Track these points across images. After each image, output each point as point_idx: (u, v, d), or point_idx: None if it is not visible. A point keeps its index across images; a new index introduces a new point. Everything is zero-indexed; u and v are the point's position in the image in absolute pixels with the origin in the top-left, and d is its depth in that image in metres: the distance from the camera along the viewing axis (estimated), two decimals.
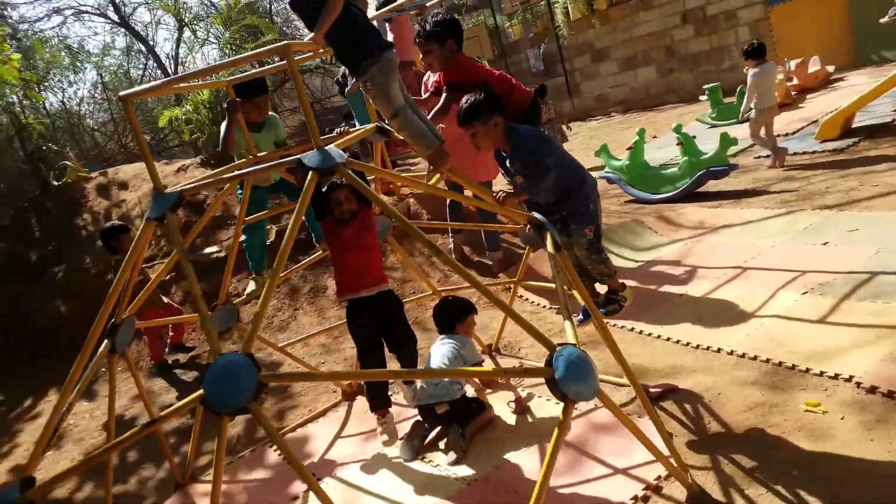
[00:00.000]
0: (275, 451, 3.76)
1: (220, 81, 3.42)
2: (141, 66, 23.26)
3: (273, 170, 2.65)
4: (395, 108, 2.88)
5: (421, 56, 3.62)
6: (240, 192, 4.20)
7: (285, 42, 2.43)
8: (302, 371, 3.84)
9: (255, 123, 4.17)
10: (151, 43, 22.09)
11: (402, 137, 3.11)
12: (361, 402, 4.07)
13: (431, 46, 3.48)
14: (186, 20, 9.22)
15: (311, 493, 2.90)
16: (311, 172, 2.36)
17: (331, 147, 2.45)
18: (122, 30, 21.90)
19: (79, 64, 22.04)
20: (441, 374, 2.90)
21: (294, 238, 2.28)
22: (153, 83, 3.45)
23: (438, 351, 3.30)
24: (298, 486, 3.25)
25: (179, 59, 22.34)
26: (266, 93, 4.11)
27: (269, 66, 4.40)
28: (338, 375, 3.44)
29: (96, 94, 22.91)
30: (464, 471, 3.01)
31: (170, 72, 21.89)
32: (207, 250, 5.99)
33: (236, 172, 2.84)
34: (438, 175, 3.51)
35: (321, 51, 2.90)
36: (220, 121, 7.56)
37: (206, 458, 3.87)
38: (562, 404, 2.05)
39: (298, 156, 2.42)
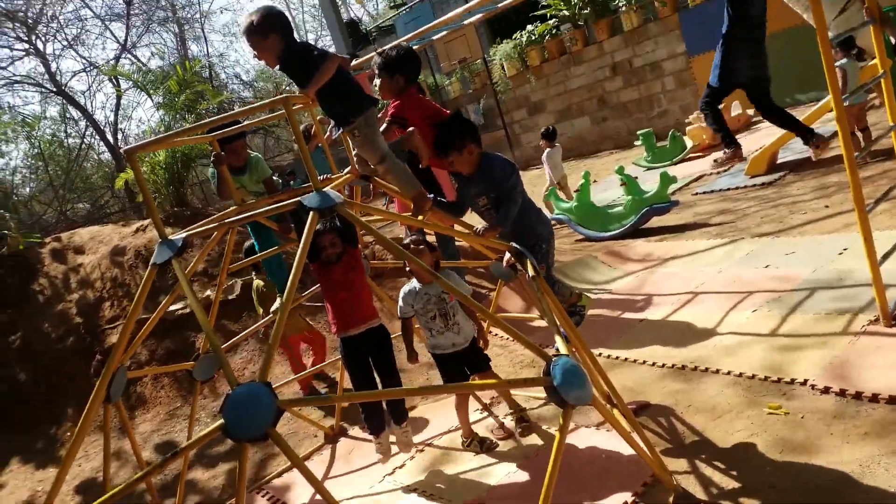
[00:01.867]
0: (263, 496, 3.81)
1: (203, 136, 3.57)
2: (77, 133, 22.98)
3: (266, 214, 2.81)
4: (381, 153, 3.12)
5: (374, 84, 3.69)
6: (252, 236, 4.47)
7: (284, 95, 2.64)
8: (317, 396, 3.96)
9: (237, 167, 4.31)
10: (90, 111, 21.87)
11: (383, 183, 3.33)
12: (345, 444, 4.17)
13: (382, 76, 3.58)
14: (141, 83, 9.30)
15: None
16: (311, 212, 2.54)
17: (328, 189, 2.64)
18: (58, 97, 21.70)
19: (10, 133, 21.64)
20: (437, 391, 3.07)
21: (300, 272, 2.44)
22: (154, 137, 3.59)
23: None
24: None
25: (118, 125, 22.21)
26: (242, 137, 4.26)
27: (247, 120, 4.58)
28: (353, 397, 3.56)
29: (30, 164, 22.44)
30: (457, 497, 3.15)
31: (108, 138, 21.72)
32: (172, 307, 5.99)
33: (236, 218, 2.99)
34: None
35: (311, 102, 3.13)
36: (175, 181, 7.65)
37: None
38: (543, 426, 2.24)
39: (299, 198, 2.60)
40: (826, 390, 3.00)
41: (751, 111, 10.53)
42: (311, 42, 3.64)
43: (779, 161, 7.42)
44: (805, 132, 4.57)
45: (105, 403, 3.08)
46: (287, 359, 5.39)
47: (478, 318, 3.47)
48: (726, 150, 5.06)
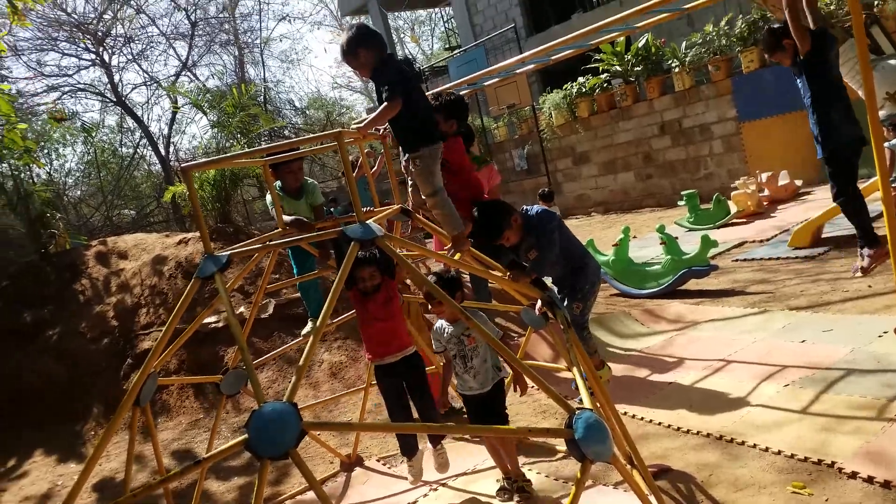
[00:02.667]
0: None
1: (261, 160, 3.68)
2: (131, 142, 23.73)
3: (309, 240, 2.89)
4: (434, 187, 3.23)
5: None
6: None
7: (338, 130, 2.73)
8: (341, 421, 4.02)
9: (293, 190, 4.40)
10: (146, 123, 22.61)
11: (422, 220, 3.41)
12: (360, 474, 4.17)
13: (438, 118, 3.66)
14: (197, 101, 9.63)
15: None
16: (353, 242, 2.61)
17: (370, 221, 2.71)
18: (117, 107, 22.49)
19: (69, 137, 22.42)
20: (463, 431, 3.08)
21: (336, 299, 2.49)
22: (213, 158, 3.72)
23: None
24: None
25: (171, 138, 22.91)
26: (299, 159, 4.33)
27: (305, 149, 4.71)
28: (375, 427, 3.61)
29: (84, 168, 23.18)
30: None
31: (160, 150, 22.39)
32: (207, 320, 6.11)
33: (280, 241, 3.08)
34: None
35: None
36: (222, 199, 7.85)
37: None
38: (561, 480, 2.23)
39: (342, 227, 2.67)
40: (854, 475, 2.93)
41: (799, 181, 10.45)
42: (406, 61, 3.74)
43: (824, 235, 7.32)
44: (867, 235, 4.30)
45: (134, 406, 3.16)
46: (310, 383, 5.44)
47: (514, 364, 3.38)
48: (865, 252, 4.47)
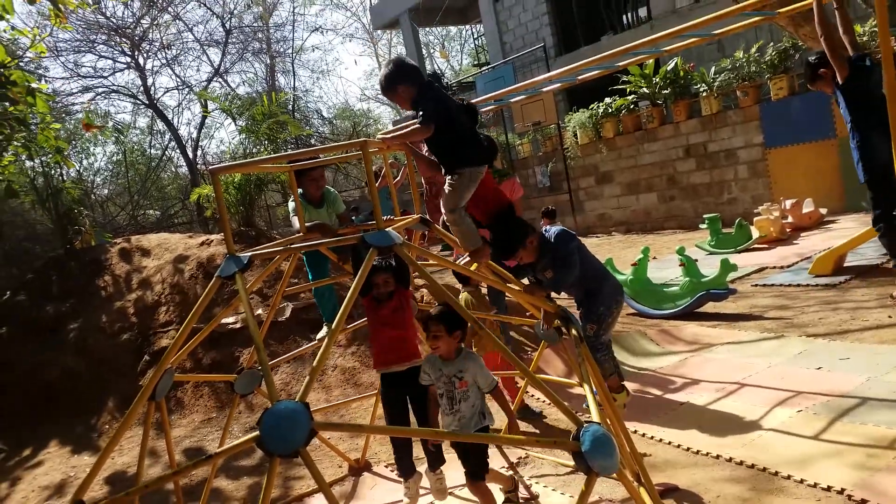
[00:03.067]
0: None
1: (286, 166, 3.75)
2: (160, 144, 24.16)
3: (339, 243, 2.95)
4: (457, 205, 3.26)
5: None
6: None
7: (363, 139, 2.80)
8: (350, 423, 4.04)
9: (315, 199, 4.45)
10: (176, 126, 22.99)
11: (441, 231, 3.46)
12: (367, 479, 4.20)
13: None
14: (228, 108, 9.82)
15: None
16: (371, 249, 2.66)
17: (390, 229, 2.76)
18: (148, 110, 22.92)
19: (101, 138, 22.86)
20: (467, 439, 3.08)
21: (352, 304, 2.54)
22: (239, 161, 3.80)
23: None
24: None
25: (199, 142, 23.26)
26: (321, 168, 4.38)
27: (330, 156, 4.77)
28: (384, 430, 3.61)
29: (113, 168, 23.61)
30: None
31: (188, 153, 22.75)
32: (224, 320, 6.19)
33: (302, 244, 3.14)
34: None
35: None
36: (247, 201, 7.96)
37: None
38: (568, 494, 2.25)
39: (362, 234, 2.72)
40: (862, 502, 2.90)
41: (824, 210, 10.35)
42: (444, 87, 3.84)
43: (846, 264, 7.24)
44: None
45: (150, 400, 3.23)
46: (323, 387, 5.49)
47: (509, 412, 3.21)
48: None
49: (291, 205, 4.31)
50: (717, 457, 3.58)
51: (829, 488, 3.07)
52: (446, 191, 3.34)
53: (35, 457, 5.51)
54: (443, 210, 3.41)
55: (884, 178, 4.34)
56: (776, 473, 3.29)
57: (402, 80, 3.25)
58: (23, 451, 5.68)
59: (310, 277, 4.75)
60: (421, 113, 3.17)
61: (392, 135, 3.20)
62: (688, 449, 3.74)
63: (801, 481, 3.17)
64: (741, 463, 3.46)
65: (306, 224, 3.85)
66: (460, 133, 3.30)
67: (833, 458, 3.34)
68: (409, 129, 3.18)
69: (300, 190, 4.38)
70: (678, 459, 3.66)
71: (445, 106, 3.26)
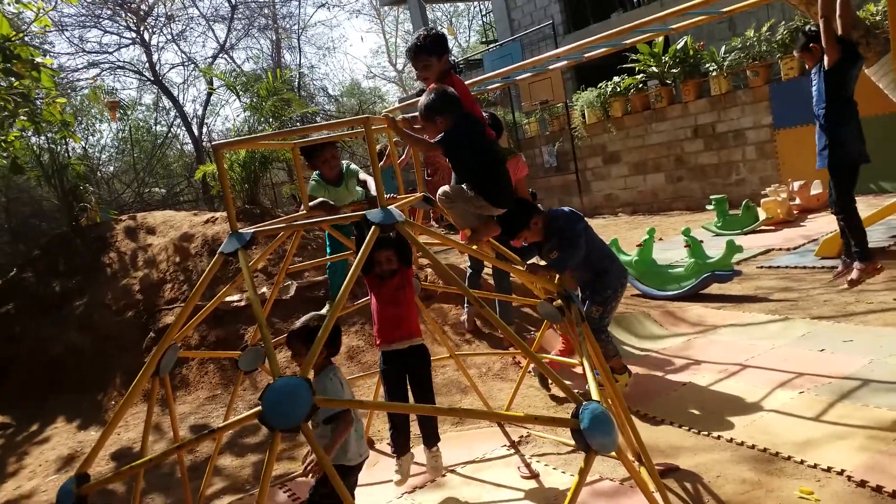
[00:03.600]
0: (284, 491, 3.90)
1: (289, 142, 3.73)
2: (165, 121, 24.10)
3: (341, 221, 2.95)
4: (453, 203, 3.31)
5: (418, 72, 3.74)
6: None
7: (365, 116, 2.78)
8: (352, 399, 4.07)
9: (333, 179, 4.41)
10: (181, 103, 22.92)
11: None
12: (370, 457, 4.22)
13: (431, 60, 3.63)
14: (233, 84, 9.78)
15: None
16: (373, 227, 2.65)
17: (392, 207, 2.75)
18: (154, 86, 22.84)
19: (106, 114, 22.81)
20: (469, 415, 3.10)
21: (354, 280, 2.54)
22: (241, 137, 3.79)
23: None
24: None
25: (205, 119, 23.20)
26: (330, 146, 4.30)
27: (333, 134, 4.73)
28: (385, 406, 3.63)
29: (118, 145, 23.60)
30: None
31: (194, 130, 22.70)
32: (229, 298, 6.21)
33: (304, 221, 3.13)
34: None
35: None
36: (251, 179, 7.95)
37: (216, 495, 3.99)
38: (569, 473, 2.25)
39: (364, 212, 2.71)
40: (862, 483, 2.91)
41: None
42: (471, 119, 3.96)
43: None
44: (864, 249, 4.45)
45: (154, 376, 3.25)
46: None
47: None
48: (858, 266, 4.72)
49: (311, 183, 4.29)
50: (718, 437, 3.59)
51: (829, 469, 3.08)
52: (449, 187, 3.32)
53: (42, 432, 5.57)
54: (440, 194, 3.40)
55: (845, 169, 4.53)
56: (777, 454, 3.29)
57: (443, 112, 3.24)
58: (30, 426, 5.75)
59: (328, 252, 4.74)
60: (440, 138, 3.19)
61: (400, 131, 3.21)
62: (689, 429, 3.75)
63: (802, 462, 3.18)
64: (742, 444, 3.47)
65: (310, 203, 3.85)
66: (495, 173, 3.32)
67: (834, 439, 3.34)
68: (419, 139, 3.21)
69: (316, 173, 4.35)
70: (679, 440, 3.67)
71: (474, 148, 3.28)
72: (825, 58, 4.63)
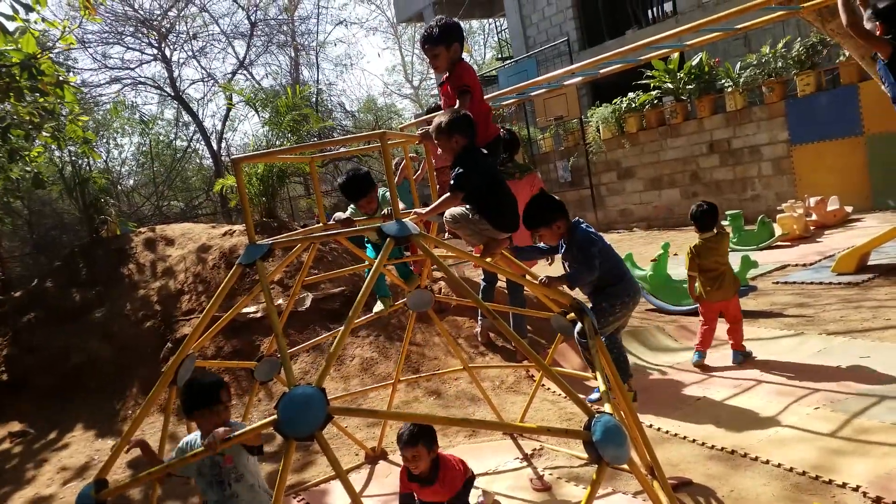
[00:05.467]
0: (298, 501, 3.92)
1: (306, 157, 3.80)
2: (185, 136, 24.41)
3: (359, 234, 3.00)
4: (453, 219, 3.34)
5: (429, 60, 3.77)
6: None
7: (382, 131, 2.83)
8: (366, 408, 4.11)
9: (371, 213, 4.51)
10: (201, 118, 23.23)
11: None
12: (383, 467, 4.25)
13: (439, 49, 3.65)
14: (252, 100, 9.94)
15: None
16: (388, 238, 2.70)
17: (407, 220, 2.79)
18: (174, 102, 23.16)
19: (127, 128, 23.15)
20: (501, 428, 3.11)
21: (368, 293, 2.58)
22: (261, 151, 3.86)
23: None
24: None
25: (224, 134, 23.48)
26: (374, 187, 4.35)
27: (348, 148, 4.79)
28: (400, 416, 3.65)
29: (138, 159, 23.91)
30: None
31: (213, 145, 22.98)
32: (245, 310, 6.27)
33: (321, 234, 3.18)
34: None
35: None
36: (269, 193, 8.05)
37: None
38: (581, 486, 2.27)
39: (379, 224, 2.76)
40: (878, 500, 2.89)
41: (849, 208, 10.22)
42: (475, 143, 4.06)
43: (870, 262, 7.16)
44: None
45: (171, 385, 3.30)
46: (341, 376, 5.55)
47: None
48: None
49: (382, 191, 4.34)
50: (732, 452, 3.57)
51: (844, 485, 3.06)
52: (456, 209, 3.33)
53: (60, 439, 5.65)
54: (446, 215, 3.41)
55: None
56: (791, 469, 3.28)
57: (461, 131, 3.26)
58: (49, 433, 5.82)
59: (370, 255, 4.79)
60: (455, 176, 3.19)
61: (427, 210, 3.26)
62: (703, 444, 3.74)
63: (817, 478, 3.17)
64: (756, 459, 3.45)
65: (334, 218, 3.89)
66: (500, 199, 3.33)
67: (850, 455, 3.32)
68: (440, 200, 3.23)
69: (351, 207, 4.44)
70: (693, 454, 3.66)
71: (487, 174, 3.30)
72: (879, 55, 4.62)
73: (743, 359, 4.93)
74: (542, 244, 4.05)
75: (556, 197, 4.03)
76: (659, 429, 4.04)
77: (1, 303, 7.91)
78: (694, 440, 3.81)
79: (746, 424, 3.88)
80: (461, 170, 3.16)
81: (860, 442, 3.44)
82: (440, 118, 3.28)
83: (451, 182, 3.16)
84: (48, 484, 4.91)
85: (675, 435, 3.93)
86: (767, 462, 3.40)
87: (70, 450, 5.41)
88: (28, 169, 8.32)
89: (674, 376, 4.93)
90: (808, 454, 3.40)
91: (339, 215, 3.97)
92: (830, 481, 3.12)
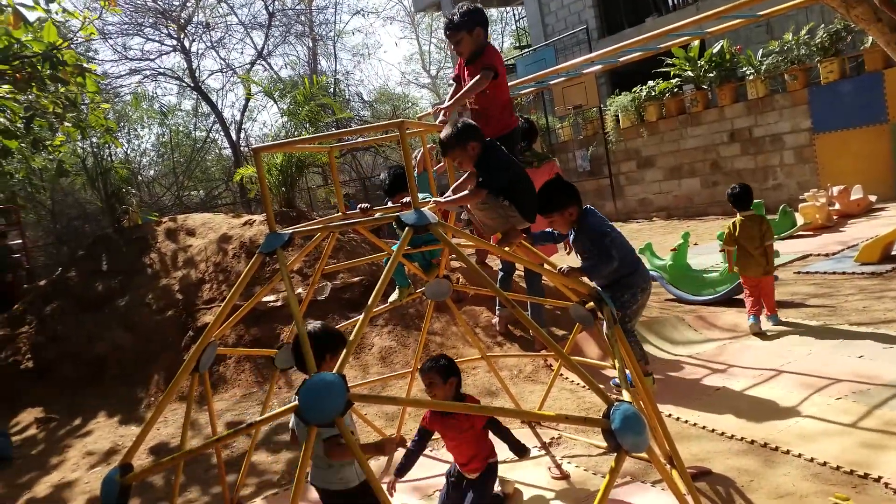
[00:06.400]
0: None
1: (327, 146, 3.81)
2: (204, 126, 24.59)
3: (377, 223, 3.01)
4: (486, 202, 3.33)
5: (453, 47, 3.80)
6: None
7: (400, 120, 2.84)
8: (385, 395, 4.13)
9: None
10: (220, 108, 23.37)
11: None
12: (402, 455, 4.27)
13: (461, 35, 3.67)
14: (270, 90, 9.98)
15: None
16: (407, 227, 2.71)
17: (425, 209, 2.80)
18: (193, 92, 23.33)
19: (147, 119, 23.37)
20: (520, 416, 3.12)
21: (388, 281, 2.59)
22: (281, 140, 3.88)
23: None
24: None
25: (243, 124, 23.60)
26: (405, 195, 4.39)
27: (361, 139, 4.78)
28: (419, 403, 3.67)
29: (159, 149, 24.13)
30: None
31: (232, 135, 23.13)
32: (265, 298, 6.33)
33: (340, 223, 3.20)
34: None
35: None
36: (287, 184, 8.09)
37: (250, 490, 4.08)
38: (599, 475, 2.27)
39: (397, 213, 2.77)
40: None
41: (873, 197, 10.09)
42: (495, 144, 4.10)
43: (894, 252, 7.07)
44: None
45: (193, 372, 3.34)
46: (360, 365, 5.58)
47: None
48: None
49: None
50: (752, 442, 3.56)
51: (866, 476, 3.04)
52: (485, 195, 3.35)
53: (85, 426, 5.74)
54: (471, 206, 3.43)
55: None
56: (811, 460, 3.26)
57: (471, 138, 3.28)
58: (73, 420, 5.92)
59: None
60: (481, 179, 3.22)
61: (446, 199, 3.30)
62: (723, 433, 3.73)
63: (838, 468, 3.15)
64: (776, 449, 3.44)
65: (361, 206, 3.91)
66: (528, 187, 3.37)
67: (871, 447, 3.29)
68: (462, 194, 3.26)
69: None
70: (712, 444, 3.65)
71: (514, 174, 3.32)
72: None
73: (779, 321, 5.39)
74: (554, 231, 4.05)
75: (571, 185, 4.01)
76: (678, 418, 4.03)
77: (26, 292, 8.05)
78: (714, 430, 3.79)
79: (767, 415, 3.86)
80: (486, 172, 3.20)
81: (883, 433, 3.40)
82: (443, 135, 3.29)
83: (479, 180, 3.17)
84: (74, 469, 4.99)
85: (695, 424, 3.91)
86: (788, 452, 3.38)
87: (94, 436, 5.50)
88: (51, 158, 8.43)
89: (693, 366, 4.91)
90: (830, 445, 3.38)
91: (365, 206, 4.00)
92: (852, 472, 3.09)
